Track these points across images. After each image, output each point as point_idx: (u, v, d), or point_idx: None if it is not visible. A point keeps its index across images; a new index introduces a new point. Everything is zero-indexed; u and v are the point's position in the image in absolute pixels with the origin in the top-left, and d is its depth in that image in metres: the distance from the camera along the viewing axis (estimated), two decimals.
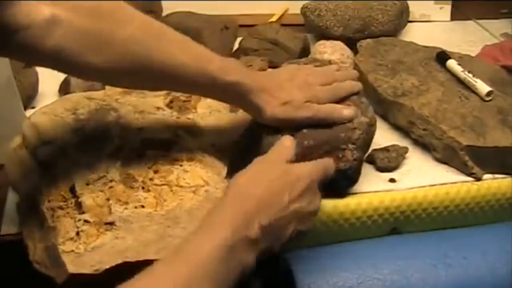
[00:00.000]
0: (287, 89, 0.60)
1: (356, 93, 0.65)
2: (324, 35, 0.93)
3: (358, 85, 0.65)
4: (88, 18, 0.50)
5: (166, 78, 0.57)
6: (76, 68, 0.53)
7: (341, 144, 0.62)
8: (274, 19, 1.04)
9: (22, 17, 0.46)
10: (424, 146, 0.73)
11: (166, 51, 0.54)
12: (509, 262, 0.64)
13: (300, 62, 0.73)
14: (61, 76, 0.81)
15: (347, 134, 0.62)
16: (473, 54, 0.88)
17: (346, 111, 0.61)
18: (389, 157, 0.69)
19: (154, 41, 0.54)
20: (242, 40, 0.92)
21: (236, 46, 0.94)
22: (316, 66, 0.71)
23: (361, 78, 0.79)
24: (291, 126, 0.60)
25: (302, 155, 0.62)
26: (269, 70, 0.73)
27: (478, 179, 0.69)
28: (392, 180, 0.68)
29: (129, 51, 0.52)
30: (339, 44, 0.87)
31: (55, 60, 0.51)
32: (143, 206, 0.57)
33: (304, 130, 0.62)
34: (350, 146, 0.62)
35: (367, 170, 0.69)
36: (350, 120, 0.61)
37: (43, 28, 0.47)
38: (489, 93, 0.75)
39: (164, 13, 0.94)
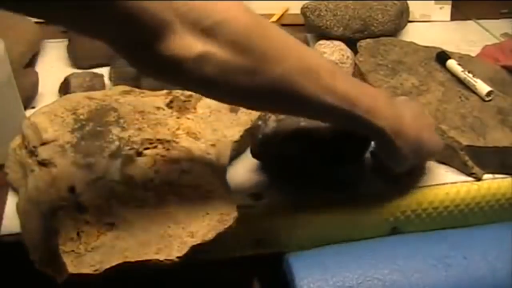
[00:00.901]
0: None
1: None
2: (324, 35, 0.93)
3: None
4: (239, 55, 0.47)
5: (309, 115, 0.56)
6: (227, 98, 0.53)
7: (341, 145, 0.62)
8: (274, 19, 1.04)
9: (177, 52, 0.45)
10: None
11: (311, 92, 0.50)
12: (509, 262, 0.64)
13: None
14: (61, 76, 0.81)
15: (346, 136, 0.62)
16: (473, 54, 0.88)
17: None
18: None
19: (302, 81, 0.50)
20: None
21: None
22: None
23: (361, 78, 0.80)
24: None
25: (302, 155, 0.62)
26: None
27: (478, 179, 0.69)
28: (392, 180, 0.68)
29: (276, 88, 0.49)
30: (339, 44, 0.87)
31: (206, 90, 0.51)
32: (143, 206, 0.57)
33: (304, 132, 0.62)
34: (349, 147, 0.62)
35: (367, 170, 0.69)
36: None
37: (194, 62, 0.45)
38: (489, 93, 0.75)
39: None
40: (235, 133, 0.67)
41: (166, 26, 0.43)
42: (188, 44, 0.45)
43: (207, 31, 0.45)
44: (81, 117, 0.65)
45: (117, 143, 0.62)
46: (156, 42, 0.44)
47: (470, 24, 1.10)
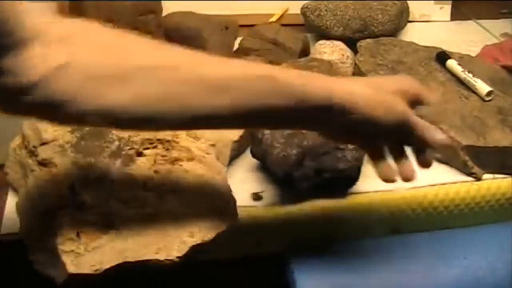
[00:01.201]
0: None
1: None
2: (324, 35, 0.93)
3: None
4: (99, 55, 0.43)
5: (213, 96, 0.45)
6: (97, 113, 0.44)
7: (341, 144, 0.62)
8: (274, 19, 1.04)
9: (33, 70, 0.41)
10: None
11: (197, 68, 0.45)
12: (509, 262, 0.64)
13: (300, 62, 0.73)
14: None
15: None
16: (473, 54, 0.88)
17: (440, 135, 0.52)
18: None
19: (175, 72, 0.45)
20: (242, 40, 0.92)
21: (236, 46, 0.94)
22: (314, 66, 0.71)
23: None
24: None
25: (302, 155, 0.62)
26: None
27: (478, 179, 0.69)
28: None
29: (144, 84, 0.44)
30: (339, 44, 0.87)
31: (71, 106, 0.43)
32: (143, 206, 0.57)
33: (304, 131, 0.62)
34: (350, 146, 0.62)
35: (367, 170, 0.69)
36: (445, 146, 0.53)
37: (53, 76, 0.42)
38: (489, 93, 0.75)
39: (164, 13, 0.93)
40: (235, 133, 0.67)
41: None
42: (47, 58, 0.42)
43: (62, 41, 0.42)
44: None
45: (117, 143, 0.62)
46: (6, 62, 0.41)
47: (470, 24, 1.10)
